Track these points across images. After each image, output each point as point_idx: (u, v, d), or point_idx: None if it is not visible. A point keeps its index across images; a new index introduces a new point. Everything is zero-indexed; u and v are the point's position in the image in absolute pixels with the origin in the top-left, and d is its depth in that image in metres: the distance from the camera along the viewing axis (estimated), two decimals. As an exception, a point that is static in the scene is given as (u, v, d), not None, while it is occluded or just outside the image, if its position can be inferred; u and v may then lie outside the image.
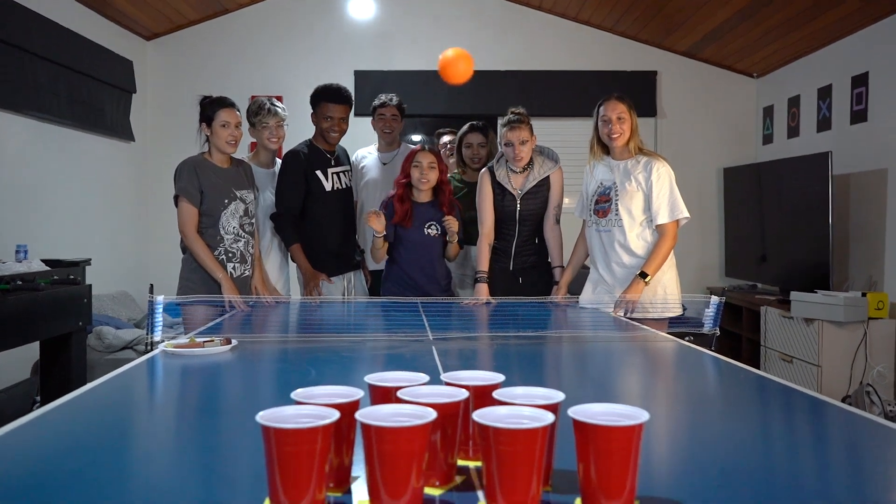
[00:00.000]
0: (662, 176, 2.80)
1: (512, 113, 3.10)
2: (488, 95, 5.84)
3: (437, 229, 3.14)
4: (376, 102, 3.70)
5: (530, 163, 3.15)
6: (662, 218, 2.79)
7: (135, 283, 5.27)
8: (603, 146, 2.95)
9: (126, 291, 5.11)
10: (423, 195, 3.18)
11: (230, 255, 2.91)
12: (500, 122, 3.23)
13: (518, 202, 3.14)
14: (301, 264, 3.24)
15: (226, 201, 2.90)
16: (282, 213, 3.24)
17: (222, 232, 2.89)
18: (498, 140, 3.34)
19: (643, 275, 2.75)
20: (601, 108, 2.88)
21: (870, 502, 0.95)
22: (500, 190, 3.17)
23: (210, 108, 2.90)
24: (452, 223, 3.09)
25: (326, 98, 3.30)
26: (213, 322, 2.60)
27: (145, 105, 5.75)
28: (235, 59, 5.90)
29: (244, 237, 2.96)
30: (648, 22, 5.57)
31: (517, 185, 3.14)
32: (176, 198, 2.87)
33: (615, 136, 2.83)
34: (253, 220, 3.03)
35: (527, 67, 5.95)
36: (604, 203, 2.89)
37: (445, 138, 4.13)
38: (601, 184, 2.93)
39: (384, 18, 5.95)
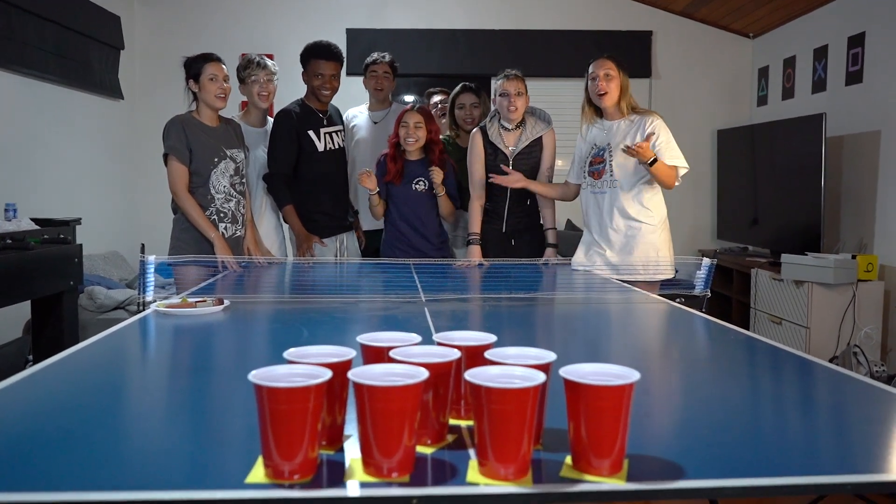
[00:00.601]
0: (658, 128, 2.78)
1: (510, 69, 3.08)
2: (481, 55, 5.77)
3: (425, 184, 3.16)
4: (368, 60, 3.65)
5: (522, 122, 3.12)
6: (672, 162, 2.75)
7: (126, 243, 5.24)
8: (595, 109, 2.92)
9: (117, 251, 5.09)
10: (414, 154, 3.18)
11: (221, 214, 2.89)
12: (493, 80, 3.19)
13: (511, 161, 3.12)
14: (294, 226, 3.23)
15: (216, 160, 2.87)
16: (274, 173, 3.22)
17: (213, 191, 2.87)
18: (491, 97, 3.31)
19: (653, 161, 2.68)
20: (590, 67, 2.87)
21: (856, 459, 0.97)
22: (491, 149, 3.14)
23: (196, 63, 2.86)
24: (437, 173, 3.11)
25: (316, 55, 3.25)
26: (206, 282, 2.60)
27: (133, 62, 5.66)
28: (225, 15, 5.79)
29: (235, 197, 2.94)
30: (645, -20, 5.48)
31: (510, 143, 3.12)
32: (165, 156, 2.84)
33: (602, 92, 2.81)
34: (244, 180, 3.01)
35: (520, 27, 5.86)
36: (598, 164, 2.87)
37: (436, 98, 4.08)
38: (595, 145, 2.91)
39: (376, -26, 5.83)
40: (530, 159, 3.14)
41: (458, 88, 3.62)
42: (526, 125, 3.13)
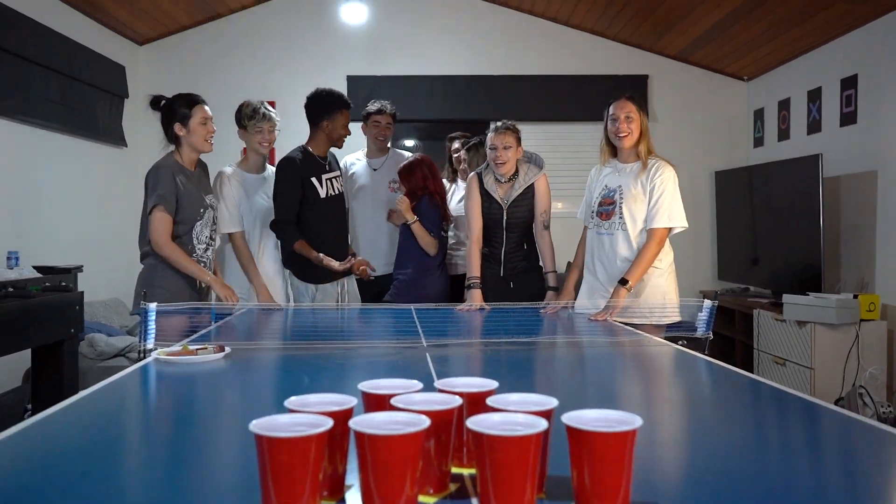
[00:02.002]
0: (666, 181, 2.77)
1: (502, 122, 3.11)
2: (480, 100, 5.85)
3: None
4: (371, 109, 3.70)
5: (515, 172, 3.16)
6: (657, 222, 2.75)
7: (127, 290, 5.22)
8: (613, 148, 2.91)
9: (118, 298, 5.09)
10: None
11: (202, 264, 2.85)
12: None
13: (504, 211, 3.14)
14: (312, 256, 3.19)
15: (201, 210, 2.84)
16: (281, 219, 3.22)
17: (195, 241, 2.83)
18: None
19: (623, 282, 2.72)
20: (610, 108, 2.85)
21: (863, 506, 0.96)
22: (487, 197, 3.18)
23: (185, 106, 2.81)
24: (401, 201, 3.37)
25: (348, 106, 3.31)
26: (206, 329, 2.59)
27: (137, 110, 5.73)
28: (227, 63, 5.90)
29: (211, 244, 2.94)
30: (639, 26, 5.59)
31: (502, 194, 3.15)
32: (153, 208, 2.72)
33: (623, 134, 2.80)
34: (216, 227, 2.99)
35: (519, 72, 5.96)
36: (607, 206, 2.86)
37: (456, 144, 3.98)
38: (606, 186, 2.90)
39: (376, 24, 5.95)
40: (524, 206, 3.16)
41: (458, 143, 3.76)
42: (519, 173, 3.16)
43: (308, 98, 3.33)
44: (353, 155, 3.89)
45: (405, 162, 3.44)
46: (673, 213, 2.77)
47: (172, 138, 2.85)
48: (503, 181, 3.15)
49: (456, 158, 3.86)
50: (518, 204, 3.15)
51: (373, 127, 3.71)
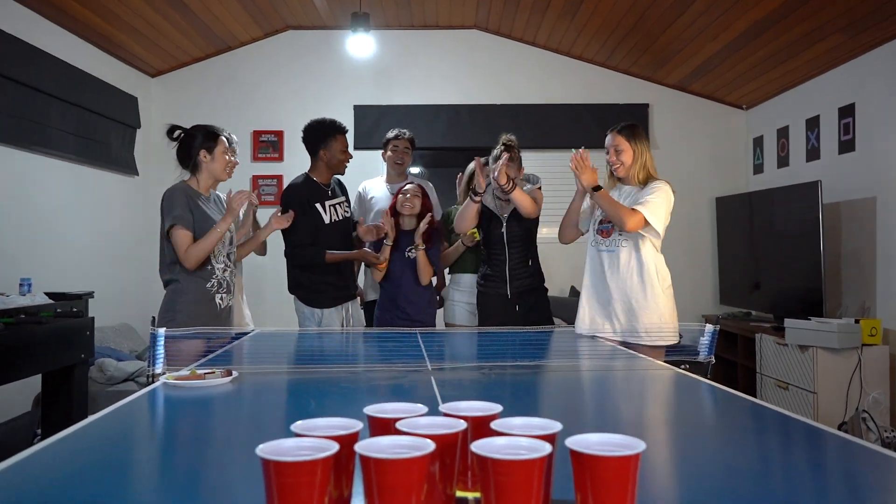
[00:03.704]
0: (660, 190, 2.79)
1: (502, 143, 3.25)
2: (484, 128, 5.89)
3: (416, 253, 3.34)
4: (390, 135, 3.81)
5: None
6: (640, 208, 2.73)
7: (137, 315, 5.25)
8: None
9: (128, 323, 5.10)
10: (408, 223, 3.39)
11: (219, 286, 2.87)
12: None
13: (504, 223, 3.24)
14: (346, 255, 3.30)
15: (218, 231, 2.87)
16: (297, 245, 3.27)
17: (213, 262, 2.85)
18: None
19: (597, 188, 2.80)
20: (606, 139, 2.93)
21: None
22: (487, 214, 3.28)
23: (209, 134, 2.90)
24: (419, 234, 3.33)
25: (342, 131, 3.39)
26: (214, 353, 2.59)
27: (149, 140, 5.79)
28: (237, 94, 5.97)
29: (230, 266, 2.96)
30: (640, 56, 5.64)
31: (503, 210, 3.29)
32: (170, 228, 2.77)
33: (614, 167, 2.88)
34: (234, 248, 3.02)
35: (522, 101, 6.01)
36: (607, 224, 2.88)
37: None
38: None
39: (382, 55, 6.02)
40: (519, 223, 3.27)
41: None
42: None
43: (304, 131, 3.41)
44: (372, 180, 3.94)
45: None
46: (656, 213, 2.74)
47: (190, 165, 2.90)
48: (503, 199, 3.28)
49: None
50: (517, 217, 3.25)
51: (392, 151, 3.79)
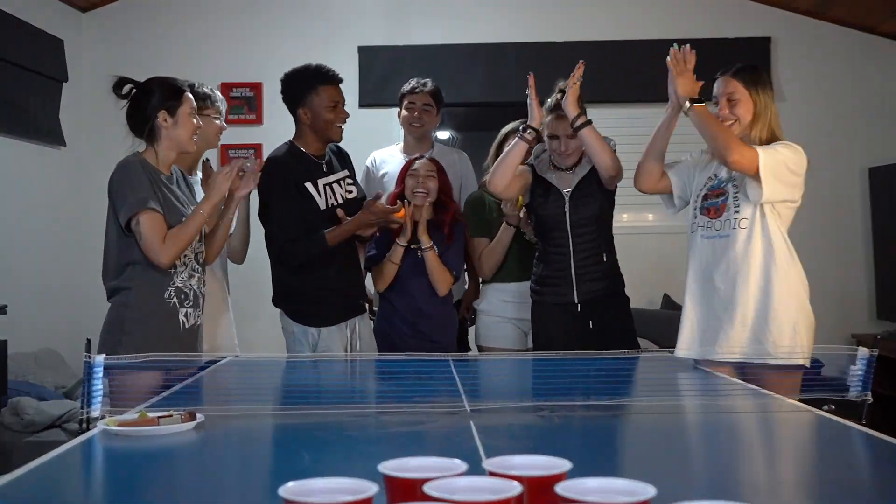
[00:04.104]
0: (789, 148, 2.76)
1: (559, 91, 3.21)
2: (538, 76, 5.85)
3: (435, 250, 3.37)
4: (406, 87, 3.78)
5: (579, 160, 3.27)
6: (760, 150, 2.71)
7: (66, 337, 5.31)
8: None
9: (53, 349, 5.16)
10: (421, 212, 3.37)
11: (182, 296, 2.87)
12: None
13: (566, 203, 3.22)
14: (347, 227, 3.28)
15: (183, 220, 2.86)
16: (284, 241, 3.27)
17: (175, 266, 2.84)
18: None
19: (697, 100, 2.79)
20: (714, 86, 2.90)
21: None
22: (542, 189, 3.26)
23: (172, 91, 2.88)
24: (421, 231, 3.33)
25: (326, 79, 3.32)
26: (173, 389, 2.61)
27: (80, 97, 5.83)
28: (201, 36, 6.00)
29: (198, 273, 2.94)
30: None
31: (563, 185, 3.26)
32: (135, 215, 2.74)
33: (727, 122, 2.82)
34: (202, 246, 3.01)
35: (595, 37, 5.95)
36: (716, 198, 2.85)
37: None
38: (714, 175, 2.89)
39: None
40: (594, 197, 3.24)
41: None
42: (583, 158, 3.26)
43: (281, 83, 3.39)
44: (386, 150, 3.94)
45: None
46: (777, 165, 2.70)
47: (145, 132, 2.90)
48: (564, 169, 3.27)
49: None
50: (584, 189, 3.23)
51: (407, 110, 3.76)
